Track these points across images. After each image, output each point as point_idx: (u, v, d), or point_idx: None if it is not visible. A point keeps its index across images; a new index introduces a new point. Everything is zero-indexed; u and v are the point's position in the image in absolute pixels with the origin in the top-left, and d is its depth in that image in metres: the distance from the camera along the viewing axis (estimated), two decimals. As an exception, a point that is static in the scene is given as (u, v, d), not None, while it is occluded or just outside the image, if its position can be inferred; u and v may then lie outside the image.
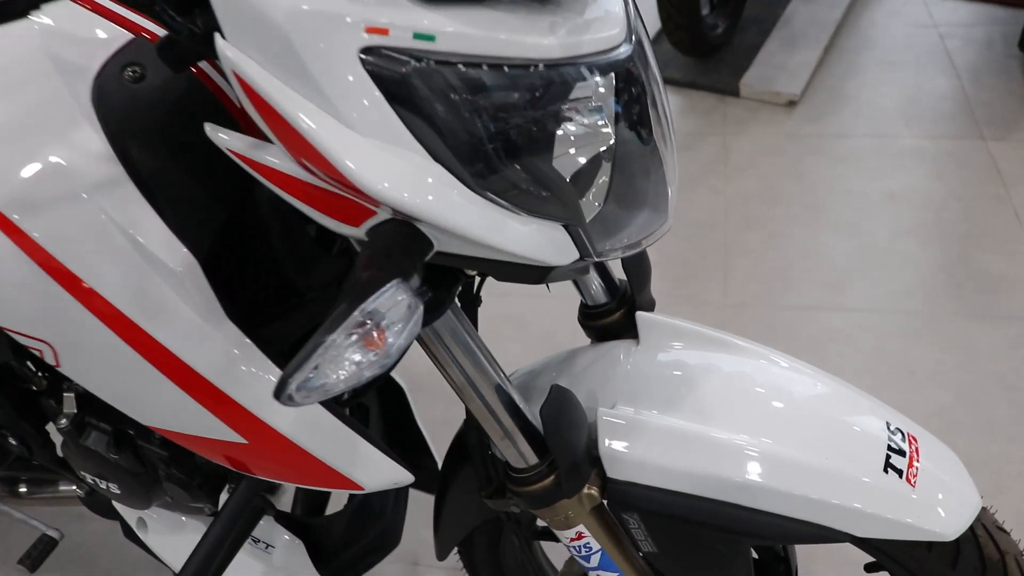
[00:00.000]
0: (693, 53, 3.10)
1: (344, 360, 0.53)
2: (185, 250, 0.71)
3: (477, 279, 0.87)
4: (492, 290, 2.21)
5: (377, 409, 1.35)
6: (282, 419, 0.74)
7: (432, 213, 0.57)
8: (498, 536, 1.18)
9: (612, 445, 0.82)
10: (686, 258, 2.32)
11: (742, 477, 0.79)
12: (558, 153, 0.66)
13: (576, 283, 0.99)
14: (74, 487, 1.40)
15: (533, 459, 0.81)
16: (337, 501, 1.37)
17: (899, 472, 0.80)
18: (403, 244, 0.60)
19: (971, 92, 2.85)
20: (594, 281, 0.98)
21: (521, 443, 0.80)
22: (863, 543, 0.84)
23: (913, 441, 0.84)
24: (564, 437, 0.77)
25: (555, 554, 1.33)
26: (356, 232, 0.63)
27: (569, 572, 1.08)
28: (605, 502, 0.86)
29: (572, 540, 0.87)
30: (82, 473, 1.14)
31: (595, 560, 0.88)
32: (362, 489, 0.78)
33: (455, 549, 1.25)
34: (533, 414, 0.81)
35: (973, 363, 1.93)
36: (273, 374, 0.73)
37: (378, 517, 1.33)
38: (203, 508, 1.16)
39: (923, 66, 3.01)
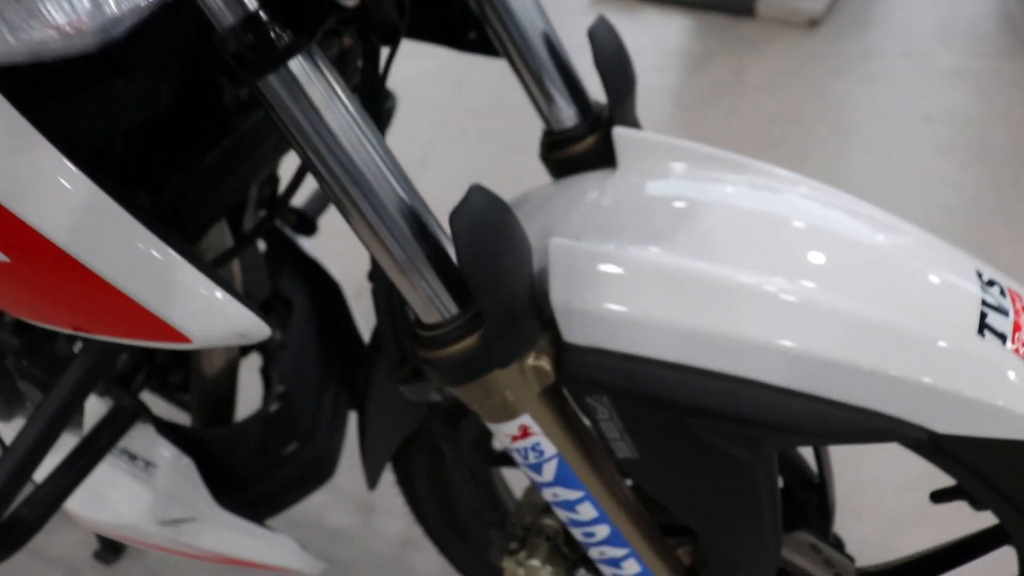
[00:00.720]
0: (706, -30, 2.81)
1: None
2: None
3: (384, 56, 0.60)
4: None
5: (306, 307, 1.08)
6: (57, 223, 0.47)
7: None
8: (441, 465, 0.92)
9: (569, 291, 0.55)
10: (693, 179, 2.04)
11: (769, 338, 0.52)
12: None
13: (536, 103, 0.72)
14: None
15: (450, 308, 0.55)
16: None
17: (1001, 337, 0.53)
18: None
19: (1016, 11, 2.55)
20: (560, 99, 0.71)
21: (429, 281, 0.53)
22: (938, 450, 0.58)
23: (1017, 299, 0.57)
24: (489, 266, 0.51)
25: (516, 482, 1.06)
26: None
27: (529, 502, 0.82)
28: (564, 390, 0.59)
29: (515, 439, 0.60)
30: None
31: (549, 472, 0.62)
32: (189, 342, 0.52)
33: (397, 485, 1.00)
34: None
35: (1025, 293, 1.66)
36: (43, 151, 0.47)
37: (306, 439, 1.07)
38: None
39: (961, -14, 2.70)
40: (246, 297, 0.54)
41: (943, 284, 0.56)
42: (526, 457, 0.61)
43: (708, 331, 0.53)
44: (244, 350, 1.04)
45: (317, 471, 1.10)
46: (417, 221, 0.53)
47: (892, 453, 1.41)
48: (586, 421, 0.61)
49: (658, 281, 0.54)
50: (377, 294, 0.64)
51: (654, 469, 0.60)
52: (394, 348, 0.64)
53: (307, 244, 1.13)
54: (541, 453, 0.61)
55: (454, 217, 0.49)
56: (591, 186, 0.65)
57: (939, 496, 0.70)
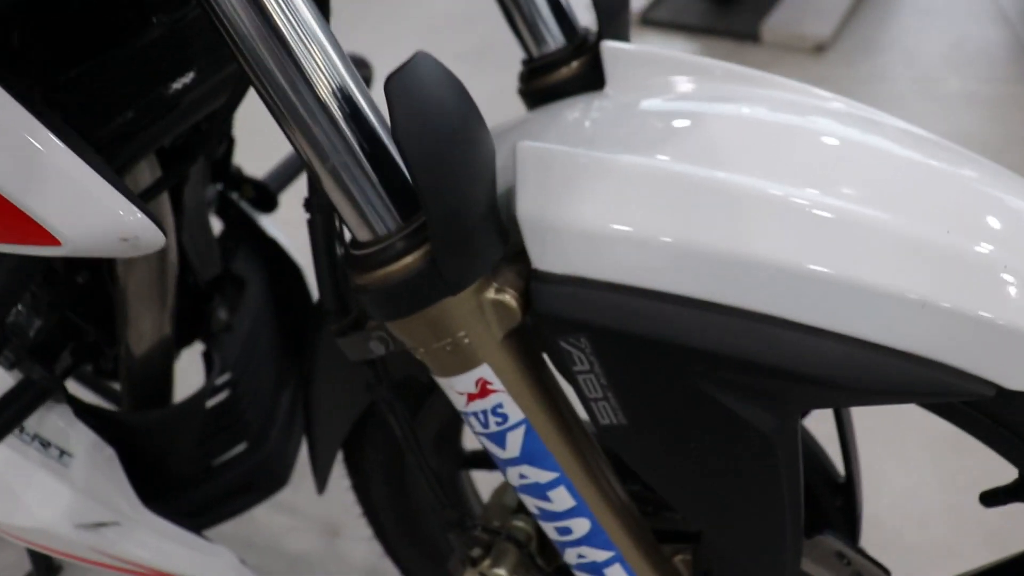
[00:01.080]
0: (711, -4, 2.79)
1: None
2: None
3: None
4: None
5: (262, 291, 0.97)
6: None
7: None
8: (400, 463, 0.79)
9: (542, 204, 0.44)
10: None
11: (801, 262, 0.41)
12: None
13: (516, 30, 0.62)
14: None
15: (390, 224, 0.44)
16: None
17: (1083, 268, 0.42)
18: None
19: (1028, 39, 2.50)
20: (544, 23, 0.61)
21: (366, 187, 0.42)
22: (1002, 420, 0.46)
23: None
24: (434, 147, 0.40)
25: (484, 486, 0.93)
26: None
27: (498, 504, 0.70)
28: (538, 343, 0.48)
29: (472, 399, 0.48)
30: None
31: (514, 443, 0.50)
32: (57, 244, 0.41)
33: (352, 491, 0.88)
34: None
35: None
36: None
37: (256, 440, 0.95)
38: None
39: (969, 15, 2.67)
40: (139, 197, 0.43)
41: (1008, 209, 0.45)
42: (486, 424, 0.49)
43: (719, 253, 0.42)
44: (183, 337, 0.91)
45: (267, 478, 0.97)
46: (355, 111, 0.42)
47: (912, 480, 1.29)
48: (568, 388, 0.50)
49: (656, 190, 0.43)
50: (314, 226, 0.53)
51: (645, 440, 0.48)
52: (332, 294, 0.53)
53: (268, 223, 1.02)
54: (504, 418, 0.49)
55: (391, 81, 0.39)
56: (573, 108, 0.55)
57: (991, 497, 0.58)
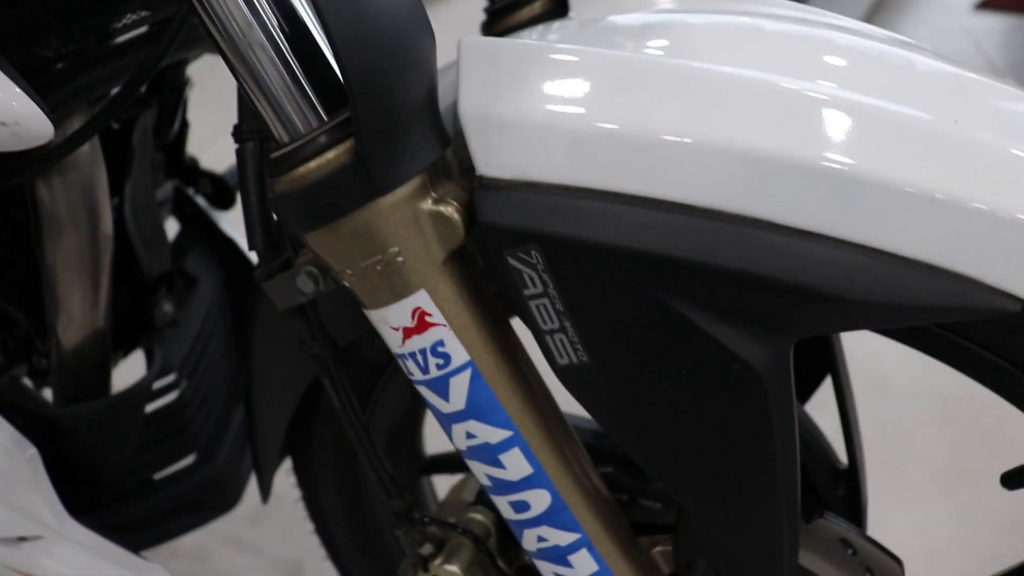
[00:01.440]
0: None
1: None
2: None
3: None
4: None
5: (216, 291, 0.91)
6: None
7: None
8: (353, 468, 0.72)
9: (487, 98, 0.39)
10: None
11: (809, 156, 0.35)
12: None
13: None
14: None
15: (312, 118, 0.38)
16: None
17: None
18: None
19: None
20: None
21: (290, 81, 0.38)
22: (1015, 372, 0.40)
23: None
24: (363, 24, 0.35)
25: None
26: None
27: (456, 500, 0.62)
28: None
29: (408, 335, 0.41)
30: None
31: (458, 392, 0.43)
32: None
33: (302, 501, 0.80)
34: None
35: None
36: None
37: (205, 453, 0.87)
38: None
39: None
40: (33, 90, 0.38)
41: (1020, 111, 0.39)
42: (425, 368, 0.42)
43: (699, 145, 0.36)
44: (127, 338, 0.85)
45: (216, 496, 0.88)
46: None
47: (919, 514, 1.20)
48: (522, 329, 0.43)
49: (626, 78, 0.38)
50: (242, 156, 0.47)
51: (609, 382, 0.41)
52: (260, 232, 0.47)
53: (226, 225, 0.96)
54: (446, 359, 0.42)
55: None
56: (530, 33, 0.50)
57: (1012, 478, 0.51)
